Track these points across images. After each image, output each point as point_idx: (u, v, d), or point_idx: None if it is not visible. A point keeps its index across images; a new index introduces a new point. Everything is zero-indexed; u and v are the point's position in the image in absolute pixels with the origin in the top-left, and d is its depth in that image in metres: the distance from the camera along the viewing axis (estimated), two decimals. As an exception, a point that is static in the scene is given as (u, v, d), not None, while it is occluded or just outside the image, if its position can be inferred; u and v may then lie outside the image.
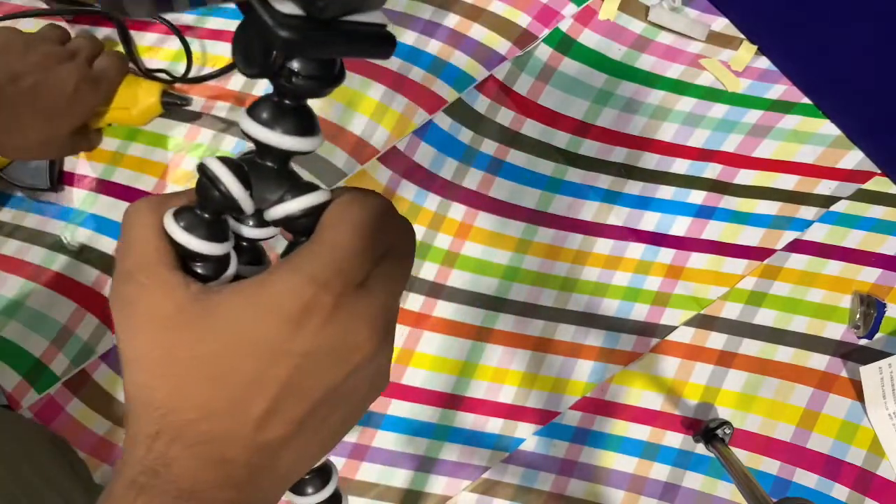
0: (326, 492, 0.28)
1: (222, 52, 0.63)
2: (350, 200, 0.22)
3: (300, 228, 0.22)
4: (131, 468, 0.22)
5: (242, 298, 0.21)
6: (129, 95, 0.59)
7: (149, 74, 0.62)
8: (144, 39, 0.65)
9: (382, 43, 0.21)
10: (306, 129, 0.22)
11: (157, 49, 0.64)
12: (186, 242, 0.21)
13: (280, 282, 0.20)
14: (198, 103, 0.63)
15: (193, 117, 0.63)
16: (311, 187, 0.22)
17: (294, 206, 0.22)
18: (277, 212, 0.22)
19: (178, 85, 0.63)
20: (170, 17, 0.65)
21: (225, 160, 0.21)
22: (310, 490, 0.27)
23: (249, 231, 0.24)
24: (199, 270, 0.22)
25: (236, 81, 0.63)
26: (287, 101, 0.22)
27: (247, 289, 0.21)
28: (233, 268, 0.23)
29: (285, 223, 0.22)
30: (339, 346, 0.21)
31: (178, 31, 0.62)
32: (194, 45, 0.64)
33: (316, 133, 0.22)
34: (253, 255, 0.25)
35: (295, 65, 0.21)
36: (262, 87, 0.63)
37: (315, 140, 0.22)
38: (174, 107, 0.61)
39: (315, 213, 0.22)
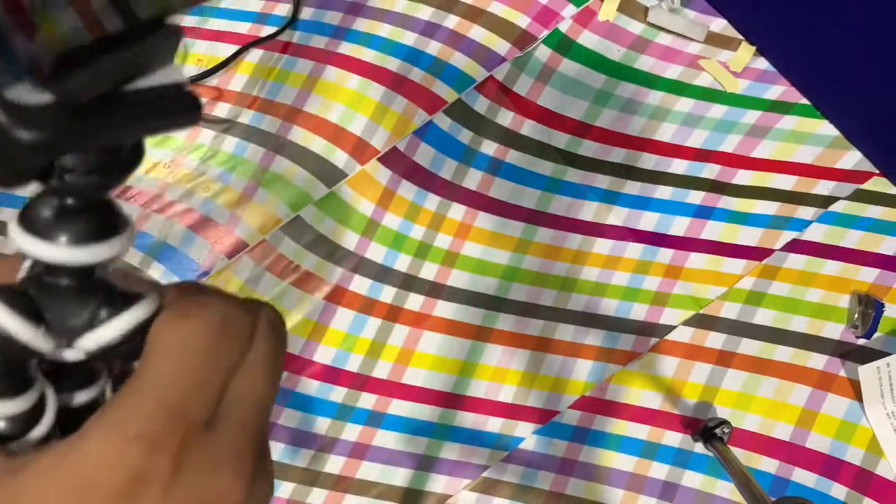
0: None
1: (223, 53, 0.63)
2: (176, 315, 0.16)
3: (125, 355, 0.16)
4: None
5: (50, 479, 0.15)
6: None
7: None
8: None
9: (178, 112, 0.15)
10: (103, 231, 0.16)
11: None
12: None
13: (96, 449, 0.15)
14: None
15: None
16: (128, 299, 0.16)
17: (107, 333, 0.16)
18: (88, 342, 0.16)
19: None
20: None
21: (1, 289, 0.15)
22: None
23: (68, 354, 0.16)
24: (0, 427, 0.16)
25: (237, 82, 0.63)
26: (69, 201, 0.16)
27: (56, 462, 0.15)
28: (49, 415, 0.17)
29: (104, 353, 0.16)
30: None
31: None
32: (196, 45, 0.65)
33: (120, 231, 0.16)
34: (83, 375, 0.18)
35: (67, 160, 0.15)
36: (265, 90, 0.63)
37: (119, 241, 0.16)
38: None
39: (141, 331, 0.16)
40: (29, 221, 0.16)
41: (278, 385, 0.18)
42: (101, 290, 0.16)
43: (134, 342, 0.16)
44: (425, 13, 0.64)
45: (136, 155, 0.16)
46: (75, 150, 0.15)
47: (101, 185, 0.15)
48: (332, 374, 0.57)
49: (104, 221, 0.16)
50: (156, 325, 0.16)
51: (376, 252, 0.59)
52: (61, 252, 0.15)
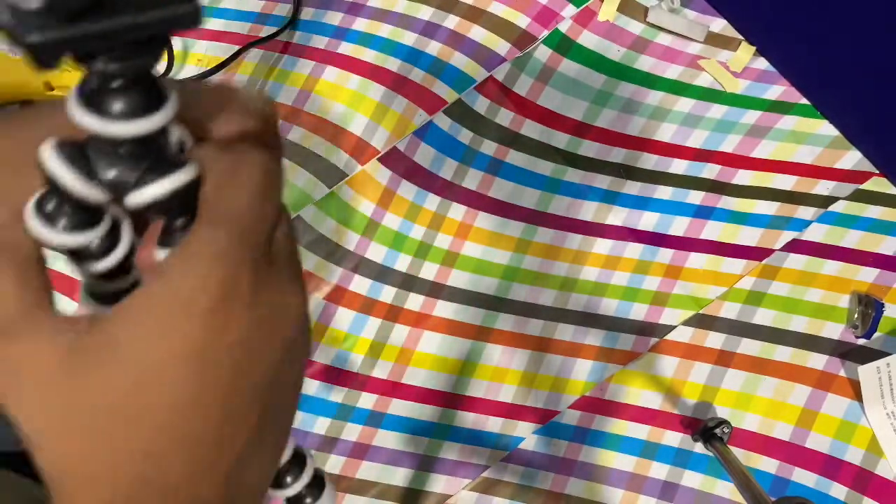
0: (306, 477, 0.25)
1: (223, 53, 0.63)
2: (235, 164, 0.18)
3: (176, 212, 0.18)
4: (103, 491, 0.17)
5: (143, 310, 0.16)
6: None
7: None
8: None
9: (175, 7, 0.16)
10: (147, 105, 0.17)
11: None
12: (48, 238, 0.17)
13: (183, 274, 0.16)
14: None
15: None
16: (177, 162, 0.18)
17: (158, 189, 0.17)
18: (139, 198, 0.17)
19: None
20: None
21: (63, 142, 0.17)
22: (288, 480, 0.25)
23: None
24: (84, 258, 0.18)
25: (237, 82, 0.63)
26: (113, 82, 0.17)
27: (144, 295, 0.16)
28: (124, 243, 0.19)
29: (156, 210, 0.18)
30: (270, 325, 0.18)
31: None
32: (197, 45, 0.65)
33: (164, 104, 0.17)
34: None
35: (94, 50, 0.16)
36: (265, 90, 0.63)
37: (163, 113, 0.17)
38: None
39: (191, 190, 0.18)
40: (83, 96, 0.17)
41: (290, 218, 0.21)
42: (152, 151, 0.18)
43: (185, 200, 0.18)
44: (425, 13, 0.64)
45: (162, 37, 0.17)
46: (84, 49, 0.15)
47: (134, 68, 0.16)
48: (332, 374, 0.57)
49: (147, 97, 0.17)
50: (215, 175, 0.18)
51: (376, 252, 0.59)
52: (110, 126, 0.17)
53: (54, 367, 0.16)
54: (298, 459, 0.25)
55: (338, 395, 0.56)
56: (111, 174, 0.17)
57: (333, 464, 0.56)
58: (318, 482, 0.26)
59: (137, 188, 0.17)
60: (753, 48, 0.61)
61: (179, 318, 0.16)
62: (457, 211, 0.59)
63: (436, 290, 0.58)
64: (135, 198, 0.17)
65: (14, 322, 0.16)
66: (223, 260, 0.17)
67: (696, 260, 0.58)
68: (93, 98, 0.17)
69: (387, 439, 0.56)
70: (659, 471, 0.54)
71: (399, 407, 0.56)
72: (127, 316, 0.16)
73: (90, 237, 0.18)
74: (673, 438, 0.55)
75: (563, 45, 0.62)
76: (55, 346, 0.16)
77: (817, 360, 0.56)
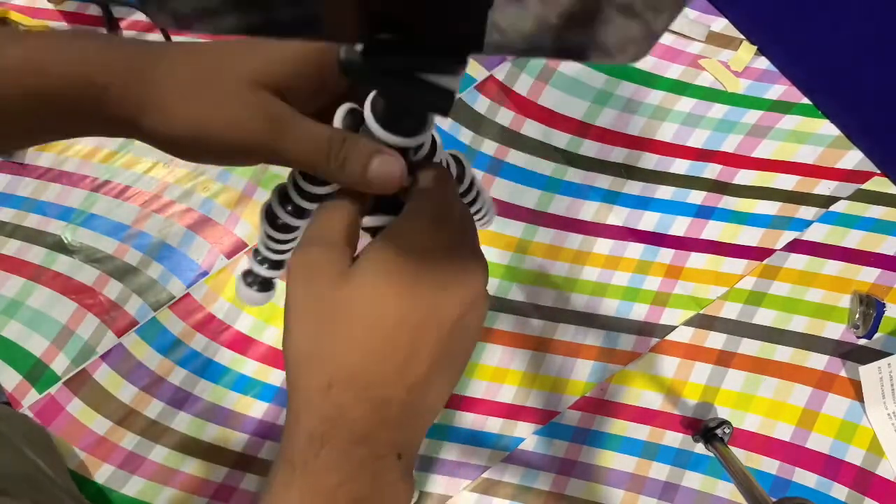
0: None
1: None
2: (434, 170, 0.27)
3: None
4: (308, 420, 0.23)
5: (383, 248, 0.24)
6: None
7: None
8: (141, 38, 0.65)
9: (439, 103, 0.23)
10: (417, 130, 0.26)
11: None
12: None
13: (408, 230, 0.25)
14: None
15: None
16: (424, 166, 0.28)
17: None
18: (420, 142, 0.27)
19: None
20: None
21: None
22: None
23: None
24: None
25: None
26: (395, 111, 0.25)
27: (386, 237, 0.25)
28: (426, 147, 0.29)
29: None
30: (457, 279, 0.25)
31: (166, 34, 0.62)
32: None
33: (427, 129, 0.27)
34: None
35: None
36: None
37: (424, 135, 0.27)
38: None
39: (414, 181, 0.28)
40: (375, 112, 0.26)
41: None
42: (412, 155, 0.28)
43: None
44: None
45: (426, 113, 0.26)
46: (376, 87, 0.24)
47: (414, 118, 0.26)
48: (331, 375, 0.57)
49: (418, 124, 0.26)
50: (422, 176, 0.27)
51: (376, 252, 0.59)
52: (390, 138, 0.26)
53: (328, 277, 0.24)
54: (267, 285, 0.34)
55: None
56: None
57: (333, 464, 0.55)
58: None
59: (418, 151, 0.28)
60: (754, 48, 0.61)
61: (400, 261, 0.24)
62: (457, 211, 0.59)
63: (436, 290, 0.58)
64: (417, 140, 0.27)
65: (333, 242, 0.25)
66: (430, 228, 0.25)
67: (697, 260, 0.57)
68: (380, 118, 0.25)
69: (387, 440, 0.56)
70: (659, 471, 0.54)
71: (399, 407, 0.56)
72: (371, 254, 0.24)
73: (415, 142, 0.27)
74: (673, 439, 0.55)
75: (564, 45, 0.62)
76: (337, 264, 0.24)
77: (818, 361, 0.55)
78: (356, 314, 0.24)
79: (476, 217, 0.40)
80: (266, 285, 0.36)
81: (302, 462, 0.23)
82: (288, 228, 0.32)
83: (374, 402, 0.23)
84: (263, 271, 0.34)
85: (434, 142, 0.29)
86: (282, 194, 0.30)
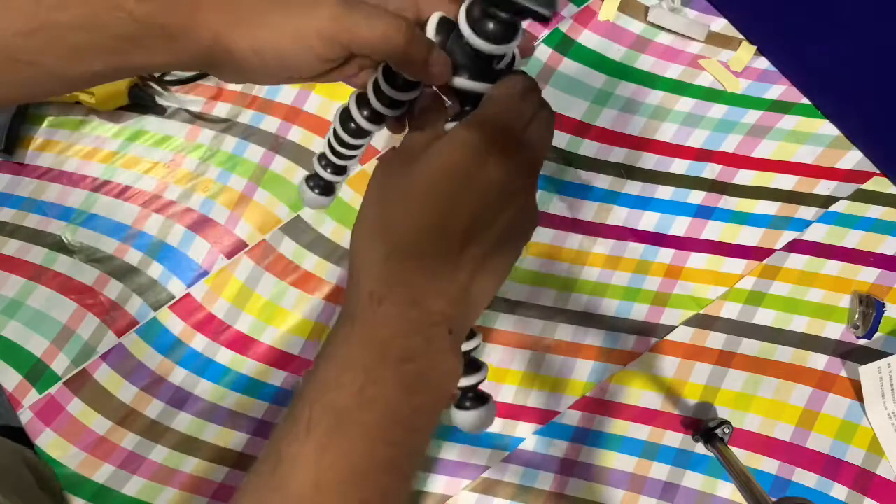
0: (477, 378, 0.32)
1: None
2: (511, 79, 0.29)
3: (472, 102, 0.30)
4: (368, 283, 0.26)
5: (449, 140, 0.27)
6: None
7: None
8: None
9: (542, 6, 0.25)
10: (507, 38, 0.28)
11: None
12: None
13: (467, 129, 0.27)
14: (198, 103, 0.63)
15: (194, 118, 0.63)
16: (505, 73, 0.30)
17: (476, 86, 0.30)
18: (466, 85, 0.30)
19: (176, 87, 0.63)
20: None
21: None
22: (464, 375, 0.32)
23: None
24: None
25: (237, 82, 0.63)
26: (489, 20, 0.28)
27: (454, 132, 0.27)
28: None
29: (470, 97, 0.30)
30: (509, 181, 0.27)
31: None
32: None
33: (516, 39, 0.29)
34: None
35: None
36: (264, 90, 0.63)
37: (512, 45, 0.29)
38: (143, 102, 0.61)
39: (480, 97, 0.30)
40: (470, 20, 0.28)
41: (551, 138, 0.30)
42: (496, 63, 0.30)
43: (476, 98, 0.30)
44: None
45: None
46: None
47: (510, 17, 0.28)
48: (331, 375, 0.57)
49: (509, 33, 0.28)
50: (498, 86, 0.29)
51: (376, 252, 0.59)
52: (480, 43, 0.28)
53: (401, 163, 0.28)
54: (476, 364, 0.33)
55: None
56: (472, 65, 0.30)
57: (333, 464, 0.55)
58: (485, 395, 0.33)
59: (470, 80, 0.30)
60: (754, 48, 0.61)
61: (462, 150, 0.26)
62: (457, 211, 0.59)
63: (436, 290, 0.58)
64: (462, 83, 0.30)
65: (413, 146, 0.28)
66: (486, 131, 0.27)
67: (697, 260, 0.58)
68: (475, 23, 0.28)
69: (387, 440, 0.56)
70: (659, 471, 0.54)
71: (399, 407, 0.56)
72: (440, 142, 0.27)
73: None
74: (673, 439, 0.55)
75: (564, 45, 0.62)
76: (411, 155, 0.27)
77: (818, 361, 0.55)
78: (422, 190, 0.26)
79: None
80: (328, 189, 0.39)
81: (361, 315, 0.26)
82: (360, 133, 0.34)
83: (428, 273, 0.26)
84: (327, 175, 0.38)
85: (513, 55, 0.32)
86: (360, 98, 0.33)
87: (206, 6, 0.27)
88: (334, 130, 0.36)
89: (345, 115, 0.34)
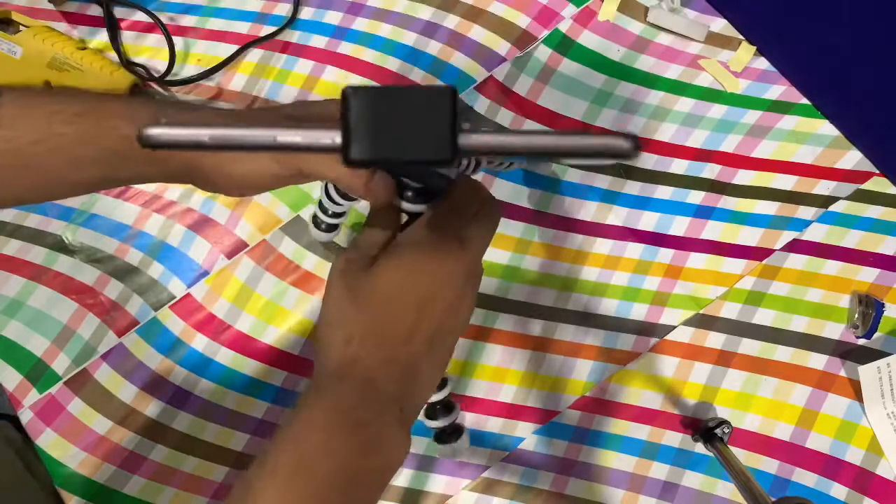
0: (451, 419, 0.41)
1: (223, 53, 0.63)
2: (456, 189, 0.34)
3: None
4: (331, 363, 0.31)
5: (399, 248, 0.32)
6: (95, 81, 0.59)
7: (128, 66, 0.63)
8: (147, 40, 0.65)
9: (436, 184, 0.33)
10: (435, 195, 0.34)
11: (157, 49, 0.64)
12: None
13: (419, 232, 0.33)
14: (198, 103, 0.63)
15: (194, 118, 0.63)
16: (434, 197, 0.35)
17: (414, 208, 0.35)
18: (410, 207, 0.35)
19: (176, 87, 0.63)
20: (167, 17, 0.65)
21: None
22: (439, 417, 0.40)
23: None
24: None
25: (237, 81, 0.63)
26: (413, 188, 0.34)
27: (402, 239, 0.33)
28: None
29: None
30: (447, 282, 0.32)
31: (167, 32, 0.62)
32: (197, 45, 0.65)
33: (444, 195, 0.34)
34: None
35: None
36: (265, 90, 0.63)
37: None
38: None
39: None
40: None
41: (491, 238, 0.34)
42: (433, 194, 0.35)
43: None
44: (425, 13, 0.64)
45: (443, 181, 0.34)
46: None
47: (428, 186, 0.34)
48: (331, 374, 0.57)
49: (433, 187, 0.34)
50: (427, 215, 0.34)
51: (376, 252, 0.59)
52: (411, 207, 0.34)
53: (358, 270, 0.32)
54: (449, 407, 0.40)
55: (338, 395, 0.56)
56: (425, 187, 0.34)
57: (333, 464, 0.55)
58: (459, 428, 0.41)
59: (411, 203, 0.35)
60: (754, 48, 0.61)
61: (412, 258, 0.32)
62: (457, 211, 0.59)
63: (436, 290, 0.58)
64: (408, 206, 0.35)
65: (368, 251, 0.33)
66: (430, 244, 0.32)
67: (697, 260, 0.58)
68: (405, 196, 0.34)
69: (387, 439, 0.56)
70: (659, 471, 0.54)
71: (399, 407, 0.56)
72: (391, 252, 0.32)
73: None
74: (673, 438, 0.55)
75: (564, 45, 0.62)
76: (367, 262, 0.32)
77: (818, 361, 0.55)
78: (375, 293, 0.31)
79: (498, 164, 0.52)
80: (331, 229, 0.47)
81: (326, 388, 0.30)
82: (339, 203, 0.43)
83: (382, 358, 0.31)
84: (329, 220, 0.45)
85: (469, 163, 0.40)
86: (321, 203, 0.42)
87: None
88: (320, 201, 0.44)
89: (326, 189, 0.42)
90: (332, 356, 0.31)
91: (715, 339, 0.56)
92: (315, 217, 0.45)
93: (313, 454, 0.28)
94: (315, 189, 0.61)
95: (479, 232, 0.33)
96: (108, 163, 0.34)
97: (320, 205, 0.44)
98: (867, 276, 0.57)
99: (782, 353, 0.56)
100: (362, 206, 0.59)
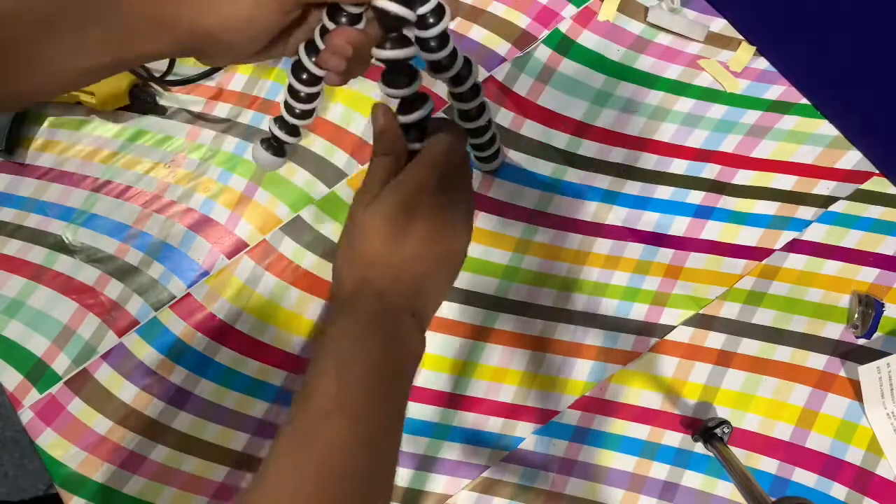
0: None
1: (223, 53, 0.63)
2: (435, 140, 0.40)
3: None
4: (346, 287, 0.37)
5: (392, 188, 0.37)
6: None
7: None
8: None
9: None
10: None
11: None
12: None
13: (410, 174, 0.38)
14: (199, 104, 0.63)
15: (194, 118, 0.63)
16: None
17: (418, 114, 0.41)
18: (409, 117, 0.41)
19: (176, 87, 0.63)
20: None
21: None
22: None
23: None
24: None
25: (237, 81, 0.64)
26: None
27: (397, 180, 0.38)
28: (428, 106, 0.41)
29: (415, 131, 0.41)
30: (443, 212, 0.38)
31: None
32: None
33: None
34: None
35: None
36: (265, 90, 0.63)
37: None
38: (144, 102, 0.62)
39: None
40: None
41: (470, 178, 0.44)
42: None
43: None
44: (425, 13, 0.64)
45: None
46: None
47: None
48: (332, 374, 0.57)
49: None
50: (431, 142, 0.40)
51: (376, 252, 0.59)
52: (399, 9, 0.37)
53: (362, 206, 0.37)
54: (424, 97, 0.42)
55: (338, 395, 0.56)
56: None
57: (333, 464, 0.55)
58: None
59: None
60: (753, 48, 0.61)
61: (400, 195, 0.37)
62: (457, 211, 0.59)
63: (436, 290, 0.58)
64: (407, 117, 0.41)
65: (373, 188, 0.38)
66: (424, 171, 0.38)
67: (696, 260, 0.58)
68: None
69: (387, 439, 0.56)
70: (659, 471, 0.54)
71: (399, 407, 0.56)
72: (385, 190, 0.37)
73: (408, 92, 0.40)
74: (673, 438, 0.55)
75: (563, 45, 0.62)
76: (368, 198, 0.38)
77: (817, 360, 0.55)
78: (373, 228, 0.37)
79: (480, 151, 0.55)
80: (280, 150, 0.46)
81: (347, 306, 0.37)
82: (312, 81, 0.41)
83: (388, 277, 0.37)
84: (281, 134, 0.45)
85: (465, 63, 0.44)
86: (308, 46, 0.39)
87: (182, 1, 0.34)
88: (289, 86, 0.42)
89: (297, 66, 0.40)
90: (345, 282, 0.37)
91: (715, 339, 0.56)
92: (277, 119, 0.45)
93: (354, 351, 0.34)
94: (315, 189, 0.61)
95: (467, 171, 0.42)
96: (121, 42, 0.34)
97: (289, 88, 0.42)
98: (867, 276, 0.57)
99: (782, 353, 0.56)
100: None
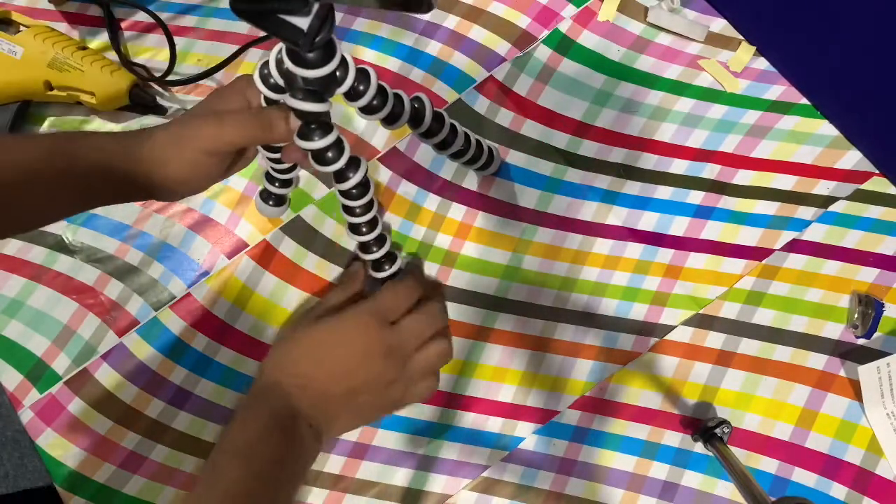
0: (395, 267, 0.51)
1: (223, 53, 0.63)
2: (401, 280, 0.47)
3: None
4: (264, 380, 0.43)
5: (334, 321, 0.45)
6: (95, 82, 0.59)
7: (128, 66, 0.63)
8: (147, 40, 0.65)
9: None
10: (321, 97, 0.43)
11: (158, 49, 0.64)
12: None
13: (353, 316, 0.45)
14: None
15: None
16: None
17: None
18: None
19: (176, 87, 0.63)
20: (167, 17, 0.65)
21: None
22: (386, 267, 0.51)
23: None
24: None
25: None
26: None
27: (358, 308, 0.45)
28: (346, 153, 0.45)
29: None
30: (364, 352, 0.44)
31: (168, 32, 0.62)
32: (197, 46, 0.65)
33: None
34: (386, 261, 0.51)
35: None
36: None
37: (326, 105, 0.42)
38: (144, 102, 0.61)
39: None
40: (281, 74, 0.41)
41: (429, 332, 0.47)
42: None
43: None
44: (425, 13, 0.64)
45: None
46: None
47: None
48: (332, 374, 0.57)
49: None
50: (387, 287, 0.47)
51: (376, 252, 0.59)
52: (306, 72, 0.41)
53: (308, 323, 0.46)
54: (392, 257, 0.51)
55: (338, 394, 0.56)
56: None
57: (333, 464, 0.56)
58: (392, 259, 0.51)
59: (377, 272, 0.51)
60: (753, 48, 0.61)
61: (338, 329, 0.44)
62: (457, 211, 0.59)
63: (436, 290, 0.58)
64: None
65: (325, 312, 0.48)
66: (372, 317, 0.44)
67: (696, 260, 0.58)
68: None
69: (387, 439, 0.56)
70: (659, 471, 0.54)
71: (399, 407, 0.56)
72: (333, 315, 0.45)
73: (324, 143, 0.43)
74: (673, 438, 0.55)
75: (563, 45, 0.62)
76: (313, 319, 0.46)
77: (817, 360, 0.56)
78: (304, 341, 0.44)
79: (471, 165, 0.57)
80: (280, 201, 0.56)
81: (260, 397, 0.42)
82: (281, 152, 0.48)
83: (298, 385, 0.42)
84: (275, 190, 0.54)
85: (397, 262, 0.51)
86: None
87: (143, 159, 0.42)
88: (266, 172, 0.53)
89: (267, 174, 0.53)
90: (266, 376, 0.43)
91: (714, 339, 0.56)
92: (264, 191, 0.55)
93: (255, 441, 0.39)
94: (315, 189, 0.61)
95: (410, 324, 0.45)
96: (82, 191, 0.43)
97: (267, 175, 0.53)
98: (867, 276, 0.57)
99: (782, 353, 0.56)
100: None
